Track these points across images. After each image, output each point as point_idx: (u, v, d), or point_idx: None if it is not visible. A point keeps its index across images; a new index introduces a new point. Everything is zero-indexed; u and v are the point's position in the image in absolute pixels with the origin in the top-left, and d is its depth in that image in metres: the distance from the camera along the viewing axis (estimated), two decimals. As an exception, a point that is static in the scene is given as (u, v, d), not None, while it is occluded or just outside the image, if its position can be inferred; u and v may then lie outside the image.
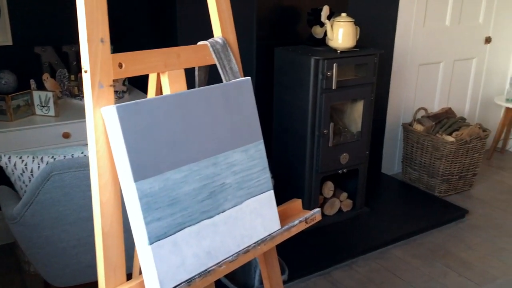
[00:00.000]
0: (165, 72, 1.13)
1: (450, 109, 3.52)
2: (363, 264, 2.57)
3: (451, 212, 3.06)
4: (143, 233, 1.01)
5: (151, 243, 1.01)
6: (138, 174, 1.00)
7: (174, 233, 1.05)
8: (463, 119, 3.43)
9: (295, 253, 2.54)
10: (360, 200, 2.98)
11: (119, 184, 1.02)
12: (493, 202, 3.31)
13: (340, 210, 2.94)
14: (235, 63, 1.27)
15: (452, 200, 3.27)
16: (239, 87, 1.23)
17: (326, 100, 2.58)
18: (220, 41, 1.24)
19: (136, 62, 1.06)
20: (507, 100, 3.87)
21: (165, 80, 1.14)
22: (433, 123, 3.35)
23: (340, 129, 2.83)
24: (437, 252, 2.69)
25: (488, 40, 3.87)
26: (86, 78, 0.99)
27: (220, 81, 1.26)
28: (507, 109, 3.93)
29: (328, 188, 2.88)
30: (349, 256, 2.60)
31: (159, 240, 1.02)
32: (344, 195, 2.94)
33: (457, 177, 3.33)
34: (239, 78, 1.28)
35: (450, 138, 3.20)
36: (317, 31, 2.76)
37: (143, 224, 1.00)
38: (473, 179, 3.45)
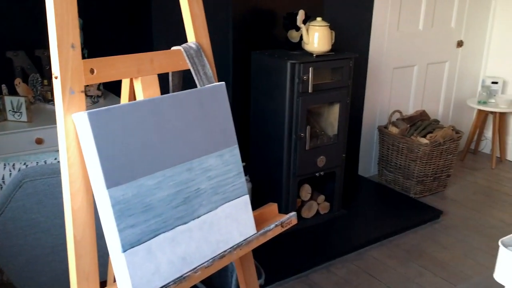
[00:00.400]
0: (138, 77, 1.13)
1: (424, 111, 3.58)
2: (340, 266, 2.59)
3: (426, 213, 3.11)
4: (116, 240, 1.00)
5: (124, 250, 1.00)
6: (111, 181, 0.99)
7: (148, 240, 1.05)
8: (436, 121, 3.50)
9: (272, 257, 2.54)
10: (337, 203, 3.00)
11: (92, 191, 1.01)
12: (467, 202, 3.37)
13: (317, 212, 2.96)
14: (209, 68, 1.27)
15: (427, 201, 3.33)
16: (213, 92, 1.23)
17: (303, 104, 2.60)
18: (194, 46, 1.24)
19: (108, 67, 1.05)
20: (479, 102, 3.96)
21: (138, 85, 1.13)
22: (408, 125, 3.40)
23: (316, 132, 2.85)
24: (413, 253, 2.74)
25: (460, 43, 3.96)
26: (56, 84, 0.98)
27: (195, 86, 1.26)
28: (479, 111, 4.02)
29: (306, 191, 2.89)
30: (326, 259, 2.62)
31: (132, 247, 1.01)
32: (322, 197, 2.96)
33: (431, 178, 3.38)
34: (213, 83, 1.28)
35: (424, 140, 3.25)
36: (293, 35, 2.77)
37: (116, 231, 0.99)
38: (447, 180, 3.52)
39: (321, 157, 2.78)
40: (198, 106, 1.18)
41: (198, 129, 1.17)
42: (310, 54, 2.65)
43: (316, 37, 2.62)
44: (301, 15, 2.65)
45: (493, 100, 3.98)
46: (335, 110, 2.82)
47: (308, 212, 2.92)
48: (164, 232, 1.08)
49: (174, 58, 1.20)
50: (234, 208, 1.25)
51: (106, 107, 1.00)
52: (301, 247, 2.67)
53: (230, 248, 1.21)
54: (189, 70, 1.26)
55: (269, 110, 2.72)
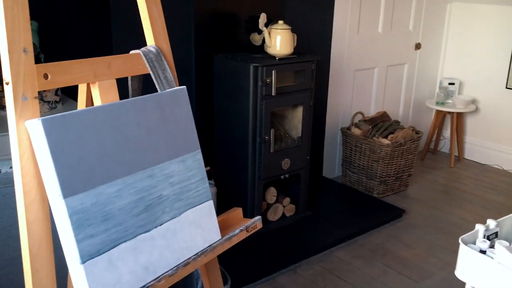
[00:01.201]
0: (95, 82, 1.09)
1: (385, 112, 3.65)
2: (307, 268, 2.60)
3: (389, 213, 3.17)
4: (74, 251, 0.96)
5: (83, 261, 0.96)
6: (68, 190, 0.95)
7: (109, 249, 1.01)
8: (397, 122, 3.58)
9: (238, 261, 2.53)
10: (303, 205, 3.02)
11: (48, 201, 0.97)
12: (428, 201, 3.46)
13: (283, 215, 2.97)
14: (170, 72, 1.25)
15: (390, 200, 3.39)
16: (174, 96, 1.21)
17: (266, 107, 2.60)
18: (153, 50, 1.21)
19: (63, 72, 1.01)
20: (437, 103, 4.08)
21: (95, 91, 1.10)
22: (370, 126, 3.46)
23: (281, 135, 2.85)
24: (377, 252, 2.78)
25: (418, 46, 4.07)
26: (8, 90, 0.93)
27: (155, 90, 1.23)
28: (438, 111, 4.14)
29: (271, 194, 2.89)
30: (293, 261, 2.62)
31: (92, 258, 0.98)
32: (287, 200, 2.97)
33: (393, 178, 3.45)
34: (174, 87, 1.26)
35: (386, 141, 3.31)
36: (255, 38, 2.78)
37: (74, 242, 0.95)
38: (409, 179, 3.60)
39: (286, 159, 2.78)
40: (159, 111, 1.16)
41: (159, 134, 1.15)
42: (273, 57, 2.65)
43: (278, 40, 2.63)
44: (263, 18, 2.66)
45: (450, 101, 4.11)
46: (299, 112, 2.84)
47: (274, 215, 2.92)
48: (125, 241, 1.05)
49: (133, 62, 1.17)
50: (198, 214, 1.23)
51: (61, 114, 0.97)
52: (267, 250, 2.67)
53: (195, 255, 1.19)
54: (149, 74, 1.23)
55: (233, 113, 2.70)
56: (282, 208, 2.95)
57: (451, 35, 4.24)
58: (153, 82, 1.23)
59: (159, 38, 1.23)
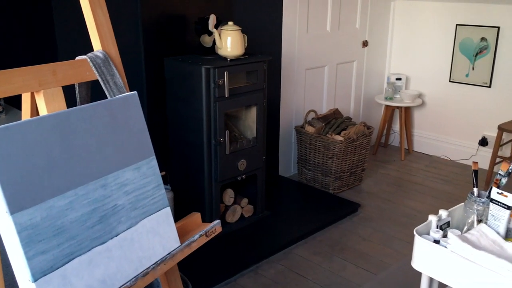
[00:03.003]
0: (40, 91, 1.04)
1: (337, 109, 3.72)
2: (267, 267, 2.61)
3: (345, 208, 3.23)
4: (25, 269, 0.91)
5: (35, 279, 0.92)
6: (15, 206, 0.90)
7: (62, 265, 0.97)
8: (349, 118, 3.65)
9: (198, 266, 2.50)
10: (261, 205, 3.02)
11: (-7, 219, 0.91)
12: (382, 194, 3.55)
13: (242, 216, 2.96)
14: (119, 78, 1.21)
15: (345, 195, 3.46)
16: (125, 102, 1.17)
17: (220, 108, 2.59)
18: (100, 55, 1.17)
19: (4, 81, 0.96)
20: (386, 99, 4.19)
21: (40, 99, 1.05)
22: (323, 124, 3.51)
23: (236, 136, 2.85)
24: (335, 247, 2.82)
25: (365, 43, 4.17)
26: None
27: (105, 97, 1.19)
28: (387, 106, 4.26)
29: (229, 196, 2.88)
30: (253, 261, 2.62)
31: (45, 275, 0.93)
32: (245, 201, 2.97)
33: (348, 173, 3.52)
34: (124, 92, 1.22)
35: (339, 138, 3.38)
36: (206, 40, 2.75)
37: (24, 260, 0.91)
38: (362, 174, 3.68)
39: (242, 160, 2.78)
40: (110, 118, 1.12)
41: (110, 142, 1.11)
42: (224, 58, 2.64)
43: (229, 41, 2.62)
44: (212, 19, 2.64)
45: (398, 96, 4.24)
46: (253, 113, 2.84)
47: (233, 216, 2.91)
48: (79, 255, 1.01)
49: (79, 69, 1.12)
50: (155, 222, 1.20)
51: (4, 125, 0.92)
52: (228, 252, 2.65)
53: (154, 264, 1.16)
54: (97, 80, 1.19)
55: (187, 116, 2.67)
56: (240, 209, 2.95)
57: (396, 32, 4.38)
58: (102, 89, 1.19)
59: (107, 42, 1.19)
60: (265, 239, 2.82)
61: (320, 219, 3.05)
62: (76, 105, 1.14)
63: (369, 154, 3.72)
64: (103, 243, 1.06)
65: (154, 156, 1.23)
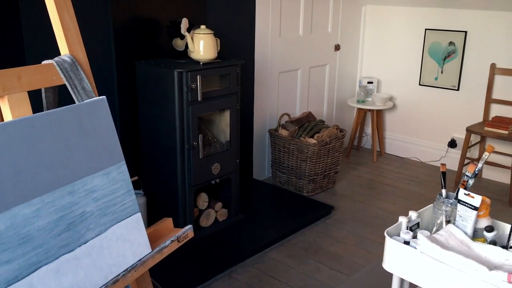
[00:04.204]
0: (4, 96, 1.02)
1: (310, 113, 3.75)
2: (242, 271, 2.60)
3: (319, 210, 3.25)
4: (-11, 280, 0.89)
5: (0, 290, 0.89)
6: (-23, 215, 0.88)
7: (28, 274, 0.95)
8: (322, 121, 3.68)
9: (171, 271, 2.48)
10: (235, 208, 3.02)
11: (-45, 228, 0.88)
12: (355, 196, 3.60)
13: (216, 220, 2.95)
14: (88, 82, 1.19)
15: (319, 198, 3.48)
16: (93, 107, 1.15)
17: (193, 112, 2.57)
18: (68, 59, 1.15)
19: (-34, 87, 0.94)
20: (358, 102, 4.25)
21: (5, 105, 1.02)
22: (296, 127, 3.54)
23: (209, 140, 2.84)
24: (309, 250, 2.84)
25: (337, 47, 4.22)
26: None
27: (73, 102, 1.17)
28: (359, 109, 4.32)
29: (203, 200, 2.87)
30: (227, 265, 2.61)
31: (9, 285, 0.91)
32: (219, 205, 2.96)
33: (321, 176, 3.55)
34: (93, 97, 1.21)
35: (312, 140, 3.40)
36: (178, 44, 2.74)
37: (-12, 270, 0.88)
38: (336, 176, 3.72)
39: (216, 164, 2.77)
40: (77, 123, 1.10)
41: (78, 148, 1.09)
42: (197, 62, 2.63)
43: (202, 45, 2.61)
44: (184, 23, 2.63)
45: (370, 99, 4.30)
46: (226, 116, 2.83)
47: (207, 220, 2.89)
48: (46, 264, 0.99)
49: (45, 73, 1.10)
50: (125, 228, 1.19)
51: (-34, 132, 0.89)
52: (201, 257, 2.64)
53: (124, 271, 1.15)
54: (65, 85, 1.17)
55: (159, 121, 2.65)
56: (215, 213, 2.94)
57: (368, 36, 4.45)
58: (70, 94, 1.17)
59: (74, 47, 1.17)
60: (239, 243, 2.81)
61: (294, 222, 3.06)
62: (43, 111, 1.12)
63: (342, 156, 3.76)
64: (71, 251, 1.04)
65: (124, 162, 1.22)
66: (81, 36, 1.21)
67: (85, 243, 1.07)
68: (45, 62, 1.12)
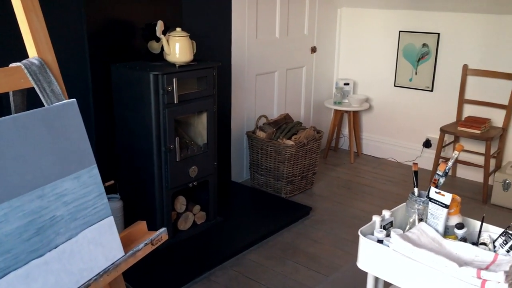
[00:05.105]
0: (-31, 99, 1.00)
1: (287, 114, 3.77)
2: (221, 274, 2.60)
3: (297, 211, 3.27)
4: (-46, 287, 0.87)
5: (-34, 297, 0.88)
6: None
7: (-4, 281, 0.93)
8: (299, 123, 3.71)
9: (149, 275, 2.46)
10: (213, 211, 3.01)
11: None
12: (332, 196, 3.63)
13: (194, 223, 2.94)
14: (57, 85, 1.18)
15: (297, 199, 3.50)
16: (63, 110, 1.14)
17: (169, 115, 2.56)
18: (36, 62, 1.14)
19: None
20: (335, 103, 4.29)
21: (-30, 108, 1.01)
22: (274, 129, 3.55)
23: (186, 142, 2.83)
24: (287, 251, 2.85)
25: (313, 49, 4.25)
26: None
27: (42, 105, 1.15)
28: (336, 111, 4.36)
29: (180, 203, 2.85)
30: (206, 268, 2.61)
31: (-24, 292, 0.89)
32: (197, 207, 2.95)
33: (299, 177, 3.57)
34: (62, 100, 1.19)
35: (290, 142, 3.42)
36: (154, 46, 2.73)
37: (-47, 277, 0.87)
38: (314, 177, 3.74)
39: (193, 167, 2.76)
40: (46, 127, 1.09)
41: (48, 151, 1.08)
42: (173, 64, 2.62)
43: (177, 48, 2.60)
44: (160, 25, 2.62)
45: (346, 100, 4.35)
46: (203, 119, 2.83)
47: (185, 224, 2.88)
48: (15, 270, 0.97)
49: (13, 76, 1.09)
50: (97, 232, 1.18)
51: None
52: (180, 260, 2.62)
53: (96, 275, 1.14)
54: (34, 88, 1.15)
55: (135, 124, 2.63)
56: (193, 216, 2.93)
57: (343, 38, 4.49)
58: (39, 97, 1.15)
59: (43, 49, 1.16)
60: (218, 245, 2.81)
61: (272, 224, 3.07)
62: (10, 114, 1.10)
63: (319, 158, 3.79)
64: (41, 256, 1.03)
65: (95, 165, 1.20)
66: (50, 39, 1.20)
67: (55, 248, 1.06)
68: (12, 65, 1.11)
